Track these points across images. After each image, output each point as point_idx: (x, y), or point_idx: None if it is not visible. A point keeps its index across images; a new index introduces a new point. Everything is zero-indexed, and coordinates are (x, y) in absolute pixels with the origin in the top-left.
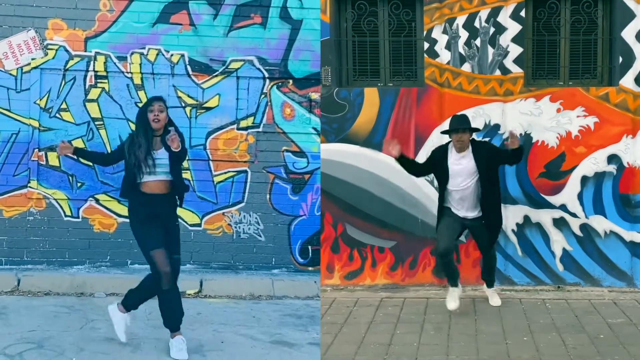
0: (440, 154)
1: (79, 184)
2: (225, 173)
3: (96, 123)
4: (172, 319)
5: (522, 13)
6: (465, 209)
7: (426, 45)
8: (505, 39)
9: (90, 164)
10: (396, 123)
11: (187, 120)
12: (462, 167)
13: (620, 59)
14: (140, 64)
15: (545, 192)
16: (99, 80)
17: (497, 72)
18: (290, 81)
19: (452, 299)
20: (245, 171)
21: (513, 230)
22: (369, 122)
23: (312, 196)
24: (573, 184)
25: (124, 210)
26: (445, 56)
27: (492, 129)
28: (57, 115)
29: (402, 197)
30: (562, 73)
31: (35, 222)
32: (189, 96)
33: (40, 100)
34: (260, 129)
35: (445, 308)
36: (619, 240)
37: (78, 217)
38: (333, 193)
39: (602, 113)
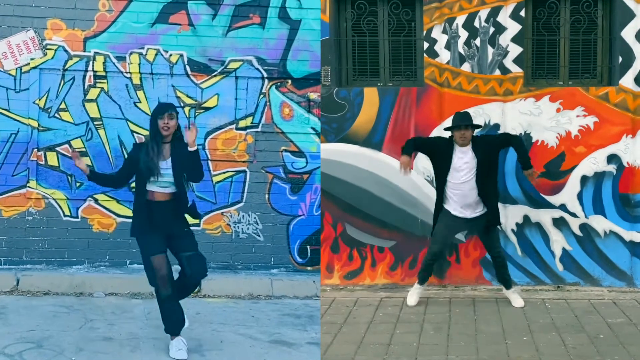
0: (444, 146)
1: (78, 184)
2: (224, 173)
3: (95, 123)
4: (172, 324)
5: (522, 13)
6: (465, 206)
7: (426, 45)
8: (505, 39)
9: (90, 163)
10: (396, 123)
11: (186, 120)
12: (465, 161)
13: (620, 59)
14: (139, 64)
15: (545, 192)
16: (98, 80)
17: (497, 72)
18: (289, 81)
19: (415, 295)
20: (244, 171)
21: (513, 230)
22: (368, 121)
23: (310, 196)
24: (573, 184)
25: (123, 210)
26: (444, 56)
27: (492, 129)
28: (56, 115)
29: (401, 197)
30: (561, 73)
31: (34, 222)
32: (187, 96)
33: (40, 100)
34: (259, 129)
35: (445, 308)
36: (619, 240)
37: (77, 217)
38: (333, 193)
39: (602, 113)
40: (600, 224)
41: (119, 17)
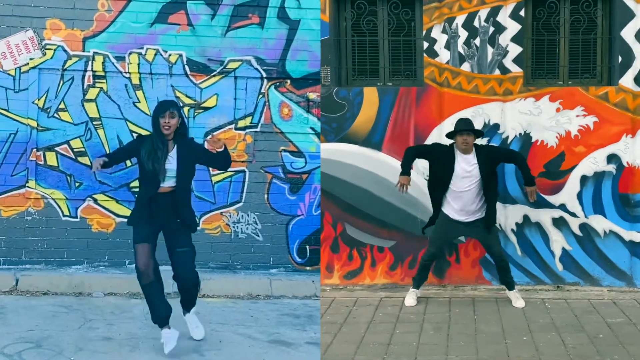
0: (446, 153)
1: (77, 184)
2: (223, 173)
3: (94, 123)
4: (154, 316)
5: (522, 12)
6: (465, 212)
7: (425, 44)
8: (504, 39)
9: (89, 163)
10: (395, 122)
11: (185, 120)
12: (469, 170)
13: (620, 59)
14: (138, 64)
15: (545, 191)
16: (97, 80)
17: (497, 72)
18: (288, 81)
19: (413, 297)
20: (243, 171)
21: (512, 230)
22: (368, 121)
23: (309, 196)
24: (572, 184)
25: (122, 210)
26: (444, 56)
27: (492, 129)
28: (56, 115)
29: (401, 197)
30: (561, 72)
31: (33, 222)
32: (187, 96)
33: (39, 100)
34: (258, 129)
35: (445, 308)
36: (619, 240)
37: (76, 217)
38: (332, 193)
39: (602, 112)
40: (600, 223)
41: (118, 17)
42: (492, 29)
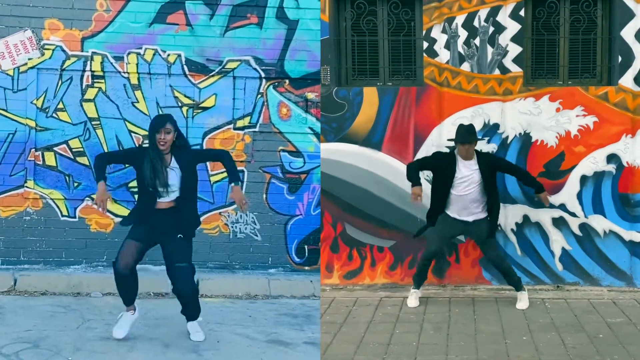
0: (446, 161)
1: (75, 184)
2: (221, 173)
3: (93, 123)
4: (123, 297)
5: (522, 12)
6: (467, 212)
7: (425, 44)
8: (504, 38)
9: (88, 163)
10: (395, 122)
11: (183, 120)
12: (469, 175)
13: (620, 59)
14: (137, 64)
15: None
16: (95, 80)
17: (497, 72)
18: (287, 81)
19: (415, 298)
20: (242, 171)
21: (512, 230)
22: (368, 121)
23: (308, 196)
24: (572, 184)
25: (120, 210)
26: (444, 55)
27: (491, 129)
28: (54, 115)
29: (401, 197)
30: (561, 72)
31: (32, 222)
32: (185, 96)
33: (37, 100)
34: (256, 129)
35: (445, 307)
36: (618, 240)
37: (75, 217)
38: (332, 192)
39: (602, 112)
40: (599, 223)
41: (116, 17)
42: (492, 29)
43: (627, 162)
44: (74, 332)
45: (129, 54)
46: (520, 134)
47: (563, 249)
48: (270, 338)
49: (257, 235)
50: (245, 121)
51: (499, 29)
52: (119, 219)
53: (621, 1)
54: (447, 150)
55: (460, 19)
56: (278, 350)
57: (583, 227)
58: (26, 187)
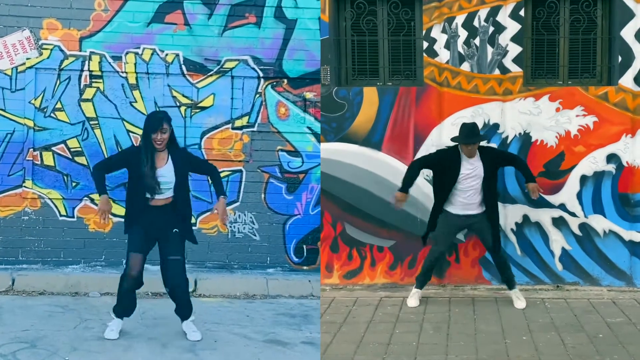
0: (451, 159)
1: (73, 184)
2: (220, 172)
3: (91, 123)
4: (122, 309)
5: (522, 12)
6: (468, 206)
7: (425, 44)
8: (504, 38)
9: (86, 163)
10: (395, 122)
11: (181, 119)
12: (474, 171)
13: (620, 58)
14: (135, 64)
15: (545, 191)
16: (93, 80)
17: (496, 72)
18: (285, 81)
19: (416, 297)
20: (240, 170)
21: (512, 230)
22: (368, 121)
23: (307, 195)
24: (572, 184)
25: (119, 210)
26: (444, 55)
27: (491, 129)
28: (52, 114)
29: None
30: (561, 72)
31: (30, 221)
32: (183, 96)
33: (35, 99)
34: (255, 129)
35: (445, 307)
36: (618, 240)
37: (73, 217)
38: (332, 192)
39: (602, 112)
40: (599, 223)
41: (114, 17)
42: (491, 29)
43: (627, 162)
44: (71, 332)
45: (127, 53)
46: (520, 133)
47: (563, 248)
48: (268, 338)
49: (255, 235)
50: (244, 121)
51: (499, 28)
52: (117, 219)
53: (621, 1)
54: (450, 146)
55: (460, 19)
56: (275, 350)
57: (583, 227)
58: (24, 187)
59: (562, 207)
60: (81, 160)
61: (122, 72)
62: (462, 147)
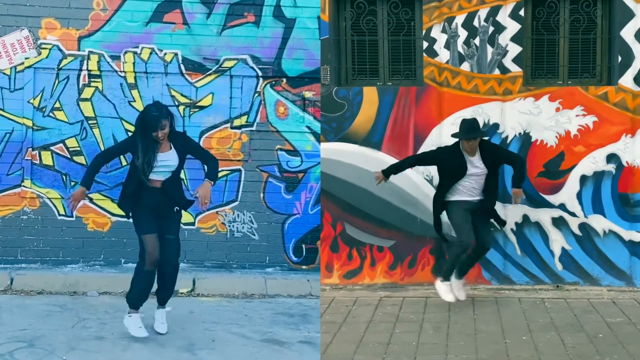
0: (451, 157)
1: (72, 183)
2: (218, 172)
3: (90, 122)
4: (138, 295)
5: (521, 12)
6: (472, 193)
7: (425, 44)
8: (504, 38)
9: (85, 162)
10: (395, 122)
11: (180, 119)
12: (476, 167)
13: (620, 58)
14: (133, 63)
15: (544, 191)
16: (92, 80)
17: (496, 72)
18: (284, 80)
19: (456, 289)
20: (239, 170)
21: (512, 230)
22: (368, 121)
23: (306, 195)
24: (572, 183)
25: (117, 209)
26: (444, 55)
27: (491, 128)
28: (51, 114)
29: (401, 196)
30: (561, 72)
31: (29, 221)
32: (182, 95)
33: (34, 99)
34: (253, 128)
35: (444, 307)
36: (618, 240)
37: (72, 216)
38: (332, 192)
39: (601, 112)
40: (599, 223)
41: (113, 16)
42: (491, 29)
43: (627, 162)
44: (69, 332)
45: (125, 53)
46: (520, 133)
47: (563, 248)
48: (266, 337)
49: (254, 235)
50: (243, 120)
51: (499, 28)
52: (116, 218)
53: (621, 1)
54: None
55: (460, 19)
56: (273, 349)
57: (583, 226)
58: (23, 186)
59: (562, 207)
60: (80, 159)
61: (121, 71)
62: (463, 144)
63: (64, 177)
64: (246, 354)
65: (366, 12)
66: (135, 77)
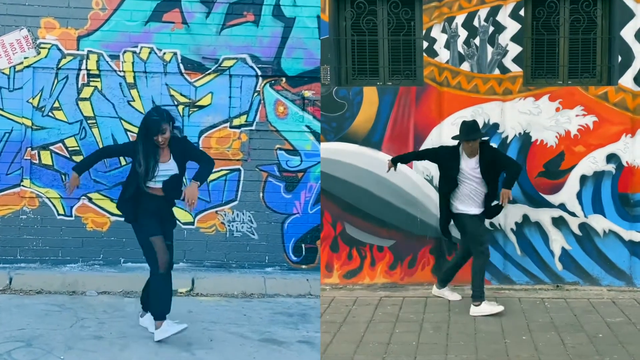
0: (450, 157)
1: None
2: (218, 171)
3: (89, 122)
4: (163, 304)
5: (522, 12)
6: (468, 205)
7: (425, 44)
8: (504, 38)
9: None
10: (395, 122)
11: (179, 118)
12: (474, 171)
13: (620, 58)
14: (132, 63)
15: (545, 191)
16: (91, 79)
17: (496, 71)
18: (283, 79)
19: (448, 295)
20: (239, 169)
21: (512, 230)
22: (368, 121)
23: (305, 194)
24: (572, 183)
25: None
26: (444, 55)
27: (491, 128)
28: (50, 114)
29: (401, 196)
30: (561, 72)
31: (28, 220)
32: (181, 94)
33: (33, 99)
34: (253, 127)
35: (444, 307)
36: (618, 240)
37: (71, 216)
38: (332, 192)
39: (601, 112)
40: (599, 223)
41: (112, 16)
42: (491, 29)
43: (627, 162)
44: (67, 331)
45: (124, 52)
46: (520, 133)
47: (563, 248)
48: (264, 337)
49: (253, 234)
50: (242, 119)
51: (499, 28)
52: (115, 218)
53: (621, 1)
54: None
55: (460, 19)
56: (271, 349)
57: (583, 226)
58: (22, 186)
59: (562, 207)
60: (79, 159)
61: (120, 71)
62: (463, 145)
63: (63, 176)
64: (244, 353)
65: (366, 12)
66: (134, 77)
